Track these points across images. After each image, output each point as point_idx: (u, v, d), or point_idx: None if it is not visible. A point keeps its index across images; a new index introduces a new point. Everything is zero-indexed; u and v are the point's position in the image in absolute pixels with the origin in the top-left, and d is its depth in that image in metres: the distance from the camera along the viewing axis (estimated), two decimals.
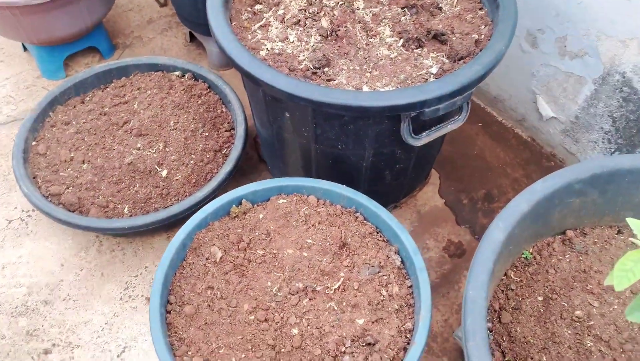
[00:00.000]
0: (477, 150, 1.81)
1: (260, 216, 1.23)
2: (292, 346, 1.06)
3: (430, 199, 1.70)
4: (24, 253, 1.57)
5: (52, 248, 1.59)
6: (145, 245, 1.59)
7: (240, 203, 1.25)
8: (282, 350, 1.06)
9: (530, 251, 1.21)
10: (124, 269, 1.55)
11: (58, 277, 1.53)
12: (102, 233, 1.53)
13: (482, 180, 1.74)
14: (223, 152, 1.63)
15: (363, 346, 1.06)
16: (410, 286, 1.15)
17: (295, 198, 1.26)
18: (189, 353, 1.06)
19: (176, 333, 1.08)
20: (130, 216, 1.48)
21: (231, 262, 1.17)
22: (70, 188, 1.50)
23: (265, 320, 1.09)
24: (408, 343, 1.08)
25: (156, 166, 1.55)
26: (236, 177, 1.70)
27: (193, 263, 1.18)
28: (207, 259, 1.18)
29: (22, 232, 1.62)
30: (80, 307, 1.47)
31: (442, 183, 1.74)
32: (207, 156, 1.60)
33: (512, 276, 1.18)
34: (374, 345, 1.07)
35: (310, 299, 1.12)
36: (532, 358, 1.08)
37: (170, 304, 1.12)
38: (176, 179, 1.54)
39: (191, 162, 1.57)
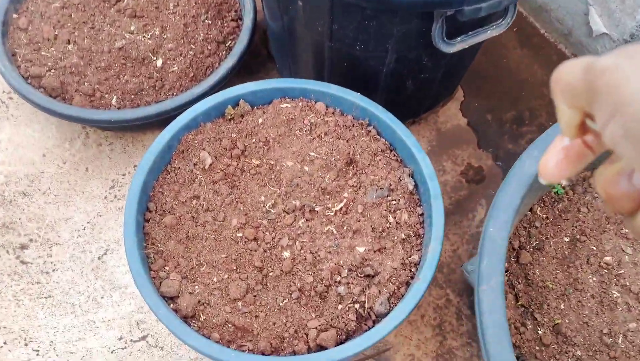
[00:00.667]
0: (512, 65, 1.61)
1: (260, 120, 1.08)
2: (281, 270, 0.94)
3: (453, 117, 1.53)
4: (3, 138, 1.44)
5: (34, 136, 1.45)
6: (136, 142, 1.45)
7: (237, 104, 1.10)
8: (270, 274, 0.95)
9: (563, 185, 1.06)
10: (110, 166, 1.42)
11: (39, 168, 1.41)
12: (87, 124, 1.39)
13: (513, 99, 1.55)
14: (227, 45, 1.45)
15: (361, 277, 0.94)
16: (422, 215, 1.01)
17: (300, 103, 1.10)
18: (166, 268, 0.95)
19: (154, 245, 0.96)
20: (119, 108, 1.33)
21: (222, 170, 1.03)
22: (53, 71, 1.34)
23: (255, 239, 0.97)
24: (412, 278, 0.96)
25: (150, 54, 1.37)
26: (241, 75, 1.52)
27: (179, 168, 1.04)
28: (194, 165, 1.04)
29: (2, 115, 1.48)
30: (61, 203, 1.36)
31: (467, 99, 1.56)
32: (209, 48, 1.42)
33: (538, 213, 1.04)
34: (373, 276, 0.95)
35: (307, 220, 0.99)
36: (548, 305, 0.96)
37: (150, 212, 1.00)
38: (172, 71, 1.37)
39: (190, 53, 1.40)
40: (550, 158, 0.33)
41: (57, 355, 1.19)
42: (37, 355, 1.19)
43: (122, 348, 1.20)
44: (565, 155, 0.33)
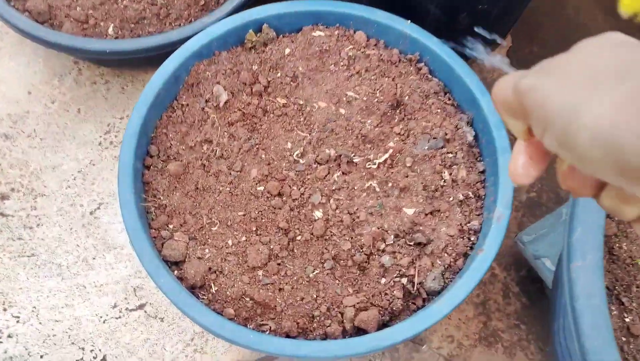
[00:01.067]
0: (571, 9, 1.40)
1: (287, 51, 0.88)
2: (311, 234, 0.76)
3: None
4: None
5: (19, 71, 1.26)
6: (136, 81, 1.26)
7: (259, 30, 0.90)
8: (298, 238, 0.77)
9: None
10: (106, 107, 1.23)
11: (23, 107, 1.22)
12: (78, 55, 1.19)
13: (569, 47, 1.35)
14: None
15: (410, 245, 0.76)
16: (483, 172, 0.83)
17: (337, 32, 0.90)
18: (170, 226, 0.77)
19: (155, 197, 0.78)
20: (116, 37, 1.13)
21: (240, 110, 0.84)
22: None
23: (279, 195, 0.79)
24: (471, 249, 0.78)
25: None
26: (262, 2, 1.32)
27: (187, 105, 0.85)
28: (206, 102, 0.85)
29: None
30: (48, 148, 1.18)
31: (517, 47, 1.35)
32: None
33: None
34: (424, 245, 0.77)
35: (343, 174, 0.80)
36: (638, 287, 0.78)
37: (151, 157, 0.81)
38: None
39: None
40: (517, 161, 0.34)
41: (40, 323, 1.02)
42: (17, 321, 1.02)
43: (116, 318, 1.03)
44: (529, 157, 0.34)
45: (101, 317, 1.03)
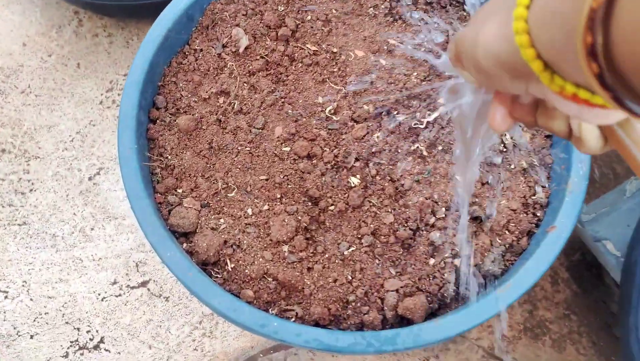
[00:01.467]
0: None
1: None
2: (347, 203, 0.64)
3: None
4: None
5: (13, 20, 1.13)
6: (142, 34, 1.13)
7: None
8: (331, 208, 0.64)
9: None
10: (109, 63, 1.10)
11: (17, 60, 1.09)
12: (79, 3, 1.06)
13: None
14: None
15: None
16: (550, 136, 0.70)
17: None
18: (179, 190, 0.64)
19: (161, 156, 0.66)
20: None
21: (263, 57, 0.71)
22: None
23: (309, 156, 0.66)
24: (536, 226, 0.65)
25: None
26: None
27: (201, 50, 0.72)
28: (224, 47, 0.72)
29: None
30: (44, 105, 1.05)
31: None
32: None
33: None
34: (482, 220, 0.65)
35: (385, 134, 0.68)
36: None
37: (157, 109, 0.69)
38: None
39: None
40: (496, 113, 0.37)
41: (31, 299, 0.91)
42: (6, 297, 0.91)
43: (116, 296, 0.91)
44: (506, 109, 0.37)
45: (99, 294, 0.91)
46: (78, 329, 0.89)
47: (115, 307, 0.91)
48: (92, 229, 0.96)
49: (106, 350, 0.88)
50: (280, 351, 0.90)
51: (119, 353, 0.88)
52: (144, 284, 0.93)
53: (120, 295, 0.92)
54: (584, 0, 0.23)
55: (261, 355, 0.90)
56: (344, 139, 0.67)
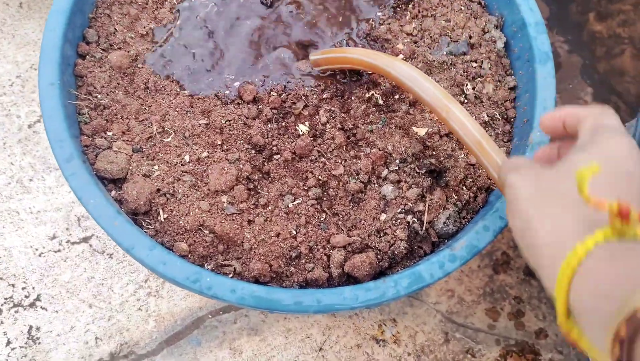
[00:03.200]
0: None
1: None
2: (293, 153, 0.59)
3: None
4: None
5: None
6: None
7: None
8: (276, 157, 0.59)
9: None
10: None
11: None
12: None
13: None
14: None
15: (420, 173, 0.59)
16: (513, 88, 0.65)
17: None
18: (109, 132, 0.58)
19: (90, 94, 0.60)
20: None
21: None
22: None
23: (254, 100, 0.61)
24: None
25: None
26: None
27: None
28: None
29: None
30: None
31: None
32: None
33: None
34: (438, 174, 0.60)
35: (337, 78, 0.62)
36: None
37: (88, 44, 0.62)
38: None
39: None
40: None
41: None
42: None
43: (55, 251, 0.86)
44: None
45: (37, 249, 0.85)
46: (13, 285, 0.84)
47: (54, 263, 0.85)
48: (30, 180, 0.89)
49: (42, 308, 0.83)
50: (230, 312, 0.86)
51: (56, 311, 0.83)
52: (85, 240, 0.87)
53: (59, 251, 0.86)
54: (619, 312, 0.27)
55: (210, 316, 0.85)
56: (291, 82, 0.62)
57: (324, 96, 0.61)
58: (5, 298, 0.83)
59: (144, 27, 0.63)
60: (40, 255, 0.85)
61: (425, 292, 0.90)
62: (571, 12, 1.12)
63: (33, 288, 0.84)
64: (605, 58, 1.08)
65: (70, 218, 0.87)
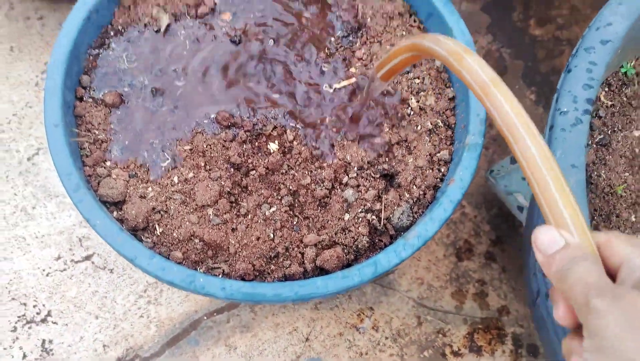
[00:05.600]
0: None
1: None
2: (266, 167, 0.69)
3: None
4: None
5: None
6: None
7: None
8: (252, 173, 0.69)
9: (633, 64, 0.81)
10: (42, 45, 1.11)
11: None
12: None
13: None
14: None
15: (375, 177, 0.70)
16: (453, 98, 0.76)
17: None
18: (107, 163, 0.68)
19: (89, 131, 0.69)
20: None
21: (184, 35, 0.75)
22: None
23: (232, 125, 0.71)
24: (441, 181, 0.72)
25: None
26: None
27: (123, 29, 0.75)
28: (145, 26, 0.76)
29: None
30: None
31: (534, 11, 1.27)
32: None
33: (602, 99, 0.80)
34: (391, 177, 0.71)
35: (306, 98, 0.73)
36: (618, 216, 0.74)
37: (83, 88, 0.72)
38: None
39: None
40: (557, 311, 0.40)
41: None
42: None
43: (61, 270, 0.95)
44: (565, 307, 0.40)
45: (44, 270, 0.95)
46: (25, 304, 0.93)
47: (61, 281, 0.94)
48: (33, 208, 0.98)
49: (54, 323, 0.92)
50: (224, 313, 0.96)
51: (66, 324, 0.92)
52: (88, 258, 0.96)
53: (65, 270, 0.95)
54: None
55: (205, 318, 0.95)
56: (260, 107, 0.72)
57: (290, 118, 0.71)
58: (19, 316, 0.92)
59: (130, 68, 0.73)
60: (47, 275, 0.94)
61: (397, 281, 1.00)
62: (513, 19, 1.23)
63: (43, 305, 0.93)
64: (546, 60, 1.19)
65: (72, 239, 0.97)
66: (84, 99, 0.71)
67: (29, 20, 1.13)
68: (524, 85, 1.17)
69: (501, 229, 1.04)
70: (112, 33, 0.75)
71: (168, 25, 0.75)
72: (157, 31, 0.75)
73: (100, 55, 0.73)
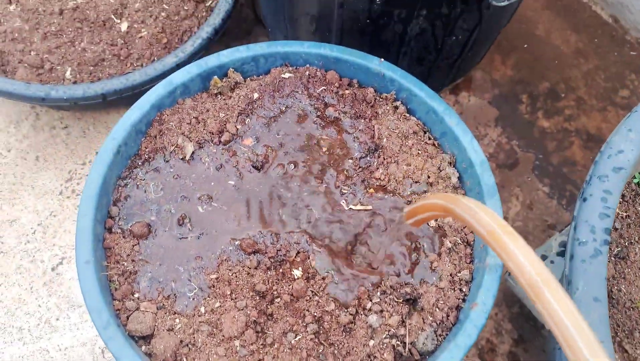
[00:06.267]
0: (542, 31, 1.38)
1: (255, 95, 0.83)
2: (290, 294, 0.71)
3: (477, 92, 1.29)
4: None
5: None
6: (97, 124, 1.19)
7: (225, 74, 0.84)
8: (277, 300, 0.71)
9: None
10: (67, 154, 1.15)
11: None
12: (34, 103, 1.12)
13: (545, 70, 1.32)
14: (207, 5, 1.19)
15: (398, 302, 0.71)
16: None
17: (307, 72, 0.85)
18: (136, 294, 0.70)
19: (118, 263, 0.72)
20: (74, 82, 1.06)
21: (208, 162, 0.78)
22: None
23: (256, 251, 0.73)
24: (463, 301, 0.73)
25: (113, 16, 1.11)
26: (224, 42, 1.28)
27: (150, 158, 0.79)
28: (171, 153, 0.79)
29: None
30: (5, 200, 1.10)
31: (491, 71, 1.32)
32: (185, 8, 1.16)
33: (617, 210, 0.81)
34: (414, 301, 0.72)
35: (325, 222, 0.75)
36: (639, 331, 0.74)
37: (112, 218, 0.74)
38: (140, 37, 1.10)
39: (162, 14, 1.13)
40: None
41: None
42: None
43: None
44: None
45: None
46: None
47: None
48: (57, 319, 1.00)
49: None
50: None
51: None
52: None
53: None
54: None
55: None
56: (284, 234, 0.74)
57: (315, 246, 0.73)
58: None
59: (157, 198, 0.76)
60: None
61: None
62: (521, 112, 1.26)
63: None
64: (557, 151, 1.22)
65: (95, 351, 0.97)
66: (113, 230, 0.73)
67: (54, 129, 1.18)
68: (535, 178, 1.19)
69: (523, 328, 1.04)
70: (139, 162, 0.78)
71: (192, 153, 0.78)
72: (182, 159, 0.78)
73: (128, 185, 0.76)
